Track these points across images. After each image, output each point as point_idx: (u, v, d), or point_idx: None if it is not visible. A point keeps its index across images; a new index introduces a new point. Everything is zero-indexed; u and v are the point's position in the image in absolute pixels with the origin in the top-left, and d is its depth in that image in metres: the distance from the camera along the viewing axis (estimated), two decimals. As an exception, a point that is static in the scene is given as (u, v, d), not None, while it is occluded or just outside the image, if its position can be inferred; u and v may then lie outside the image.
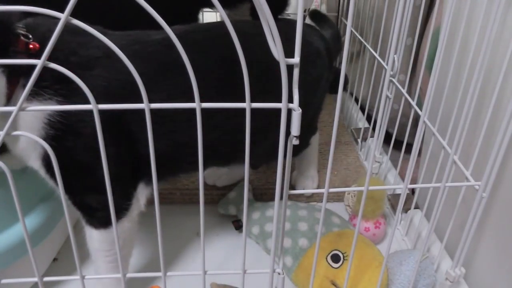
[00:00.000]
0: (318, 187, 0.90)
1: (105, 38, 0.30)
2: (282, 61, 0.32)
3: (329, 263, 0.66)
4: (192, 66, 0.32)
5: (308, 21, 1.10)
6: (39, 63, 0.30)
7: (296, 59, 0.33)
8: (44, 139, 0.50)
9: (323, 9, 1.36)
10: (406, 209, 0.80)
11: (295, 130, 0.36)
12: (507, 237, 0.59)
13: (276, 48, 0.31)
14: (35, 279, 0.42)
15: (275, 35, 0.30)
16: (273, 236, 0.44)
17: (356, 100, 1.17)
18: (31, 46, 0.46)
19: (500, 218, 0.60)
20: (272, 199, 0.86)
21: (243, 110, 0.35)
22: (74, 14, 0.29)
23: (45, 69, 0.30)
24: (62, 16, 0.28)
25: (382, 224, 0.78)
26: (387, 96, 0.82)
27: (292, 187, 0.90)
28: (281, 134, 0.37)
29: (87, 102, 0.33)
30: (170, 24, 0.30)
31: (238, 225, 0.80)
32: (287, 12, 1.54)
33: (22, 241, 0.59)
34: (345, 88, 1.14)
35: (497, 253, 0.61)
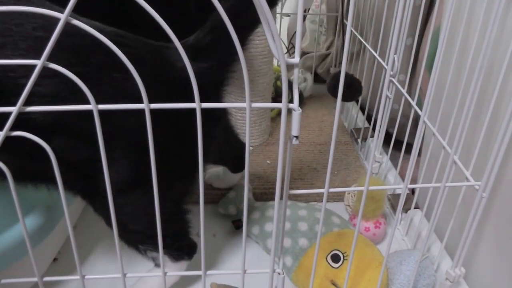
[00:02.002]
0: (318, 187, 0.90)
1: (107, 40, 0.30)
2: (282, 61, 0.32)
3: (329, 263, 0.66)
4: None
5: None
6: (39, 63, 0.30)
7: (296, 59, 0.33)
8: None
9: (323, 9, 1.36)
10: (406, 209, 0.80)
11: (295, 130, 0.36)
12: (507, 237, 0.59)
13: (276, 48, 0.31)
14: (35, 279, 0.42)
15: (275, 35, 0.30)
16: (273, 236, 0.44)
17: (356, 100, 1.17)
18: None
19: (500, 218, 0.60)
20: (272, 199, 0.87)
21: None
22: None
23: None
24: (62, 17, 0.28)
25: (382, 224, 0.78)
26: (387, 96, 0.82)
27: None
28: (281, 134, 0.37)
29: None
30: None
31: (238, 225, 0.81)
32: (286, 12, 1.54)
33: (22, 242, 0.59)
34: (355, 98, 1.10)
35: (497, 253, 0.61)
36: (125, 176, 0.53)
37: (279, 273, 0.47)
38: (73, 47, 0.45)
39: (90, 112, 0.33)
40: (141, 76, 0.31)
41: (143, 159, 0.52)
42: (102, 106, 0.33)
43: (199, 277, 0.71)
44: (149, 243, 0.60)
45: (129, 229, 0.58)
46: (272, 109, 1.14)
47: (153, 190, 0.56)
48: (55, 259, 0.73)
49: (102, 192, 0.54)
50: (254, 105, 0.35)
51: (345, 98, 1.09)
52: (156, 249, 0.61)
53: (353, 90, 1.02)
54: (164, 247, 0.61)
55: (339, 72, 1.08)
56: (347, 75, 1.09)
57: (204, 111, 0.34)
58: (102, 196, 0.54)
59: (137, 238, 0.60)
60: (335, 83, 1.05)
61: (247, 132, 0.36)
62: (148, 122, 0.35)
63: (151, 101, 0.33)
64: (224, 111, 0.67)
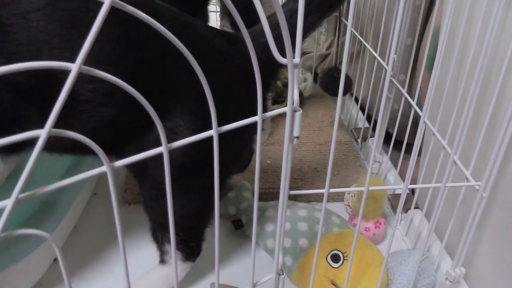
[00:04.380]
0: (318, 187, 0.90)
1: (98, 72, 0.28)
2: (290, 62, 0.32)
3: (329, 263, 0.66)
4: None
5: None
6: (73, 67, 0.22)
7: (296, 59, 0.33)
8: None
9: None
10: (406, 209, 0.80)
11: (296, 131, 0.36)
12: (507, 237, 0.59)
13: (275, 49, 0.31)
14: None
15: (285, 35, 0.30)
16: (277, 240, 0.44)
17: (356, 100, 1.17)
18: None
19: (500, 218, 0.60)
20: (272, 199, 0.87)
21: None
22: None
23: None
24: (74, 67, 0.22)
25: (382, 224, 0.78)
26: (387, 96, 0.81)
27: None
28: (286, 137, 0.37)
29: None
30: None
31: (238, 225, 0.80)
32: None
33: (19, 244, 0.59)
34: (347, 92, 1.13)
35: (497, 253, 0.61)
36: (185, 160, 0.54)
37: (279, 274, 0.47)
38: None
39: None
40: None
41: (207, 146, 0.52)
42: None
43: (198, 278, 0.71)
44: (180, 234, 0.61)
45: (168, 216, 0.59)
46: (272, 109, 1.14)
47: (207, 181, 0.57)
48: (55, 259, 0.73)
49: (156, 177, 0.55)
50: (265, 115, 0.35)
51: (336, 93, 1.11)
52: (180, 242, 0.62)
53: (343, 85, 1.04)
54: (181, 242, 0.61)
55: (331, 68, 1.10)
56: (337, 70, 1.10)
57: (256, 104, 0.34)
58: (152, 178, 0.56)
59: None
60: (326, 78, 1.07)
61: (259, 143, 0.36)
62: (161, 131, 0.34)
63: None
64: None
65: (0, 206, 0.23)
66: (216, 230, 0.34)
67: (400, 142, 0.82)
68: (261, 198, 0.87)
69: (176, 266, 0.35)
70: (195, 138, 0.31)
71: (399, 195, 0.86)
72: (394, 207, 0.84)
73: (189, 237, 0.62)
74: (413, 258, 0.65)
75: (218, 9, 1.11)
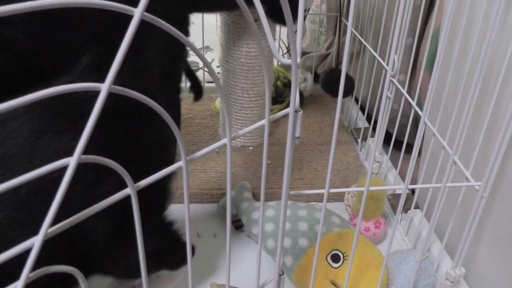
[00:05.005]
0: (319, 187, 0.90)
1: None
2: (294, 63, 0.32)
3: (329, 263, 0.67)
4: None
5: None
6: (103, 87, 0.21)
7: (297, 60, 0.33)
8: None
9: (323, 9, 1.36)
10: (406, 209, 0.80)
11: (297, 131, 0.36)
12: (507, 237, 0.59)
13: (276, 51, 0.31)
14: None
15: (298, 38, 0.30)
16: (279, 241, 0.44)
17: (356, 100, 1.17)
18: None
19: (500, 218, 0.60)
20: (272, 199, 0.87)
21: None
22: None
23: None
24: (104, 87, 0.21)
25: (382, 224, 0.78)
26: (387, 96, 0.82)
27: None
28: (288, 139, 0.37)
29: None
30: None
31: (238, 225, 0.81)
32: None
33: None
34: (348, 94, 1.13)
35: (497, 253, 0.61)
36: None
37: (279, 274, 0.47)
38: None
39: None
40: None
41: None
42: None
43: (198, 278, 0.71)
44: (164, 256, 0.58)
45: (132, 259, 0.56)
46: (272, 109, 1.14)
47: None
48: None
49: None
50: (271, 117, 0.35)
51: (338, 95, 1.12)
52: (165, 260, 0.59)
53: (346, 86, 1.04)
54: (166, 260, 0.59)
55: (333, 69, 1.10)
56: (339, 71, 1.10)
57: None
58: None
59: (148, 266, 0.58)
60: (327, 79, 1.07)
61: (265, 145, 0.36)
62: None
63: None
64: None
65: (27, 245, 0.21)
66: (227, 237, 0.34)
67: (400, 142, 0.82)
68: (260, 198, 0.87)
69: (191, 264, 0.35)
70: (207, 152, 0.31)
71: (399, 195, 0.86)
72: (394, 207, 0.85)
73: (171, 251, 0.59)
74: (413, 258, 0.65)
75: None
